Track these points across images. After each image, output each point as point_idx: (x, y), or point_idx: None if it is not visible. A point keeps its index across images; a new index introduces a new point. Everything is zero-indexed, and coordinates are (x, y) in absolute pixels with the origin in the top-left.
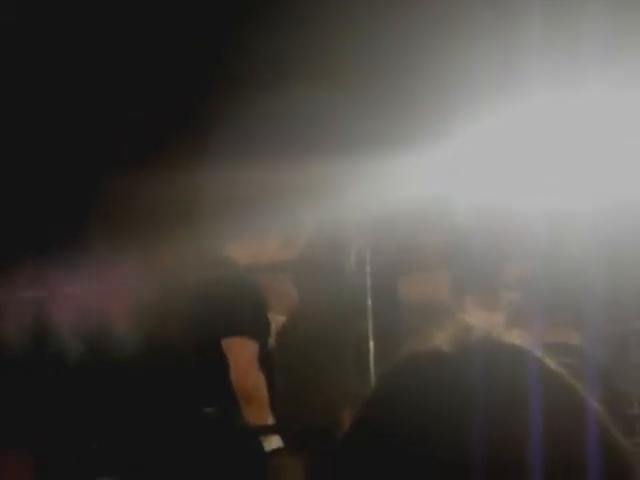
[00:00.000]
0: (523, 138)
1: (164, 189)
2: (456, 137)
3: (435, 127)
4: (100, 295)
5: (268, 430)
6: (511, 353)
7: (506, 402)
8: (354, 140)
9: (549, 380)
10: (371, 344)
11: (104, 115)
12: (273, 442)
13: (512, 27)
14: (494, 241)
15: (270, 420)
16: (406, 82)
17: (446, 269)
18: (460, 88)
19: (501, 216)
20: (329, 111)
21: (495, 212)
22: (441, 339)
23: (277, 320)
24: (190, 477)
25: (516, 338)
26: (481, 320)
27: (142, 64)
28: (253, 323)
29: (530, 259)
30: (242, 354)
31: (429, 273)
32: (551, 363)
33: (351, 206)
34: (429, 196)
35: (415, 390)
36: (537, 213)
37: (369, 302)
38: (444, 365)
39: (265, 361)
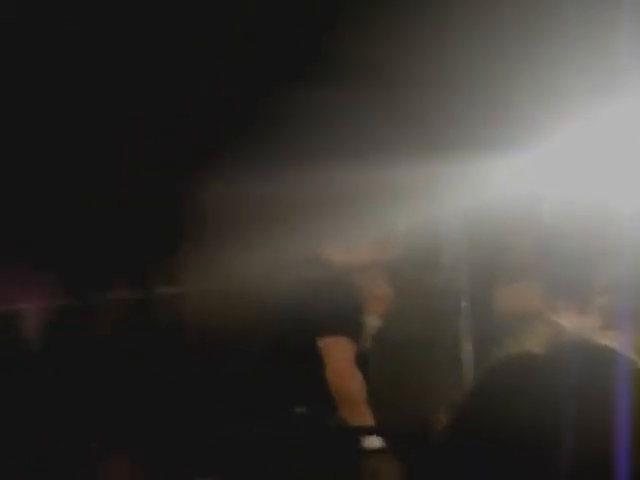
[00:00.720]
0: (614, 139)
1: (262, 193)
2: (549, 138)
3: (528, 128)
4: None
5: (366, 430)
6: (601, 355)
7: (595, 403)
8: (450, 142)
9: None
10: (469, 346)
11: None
12: (373, 442)
13: (603, 30)
14: (586, 244)
15: (369, 421)
16: (500, 85)
17: (538, 273)
18: (551, 91)
19: (593, 218)
20: (424, 113)
21: (587, 214)
22: (533, 342)
23: (372, 322)
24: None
25: (607, 340)
26: (574, 324)
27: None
28: (349, 323)
29: (622, 262)
30: (339, 354)
31: (522, 283)
32: None
33: (446, 207)
34: (522, 197)
35: (509, 389)
36: (629, 215)
37: (464, 304)
38: (536, 366)
39: (360, 362)
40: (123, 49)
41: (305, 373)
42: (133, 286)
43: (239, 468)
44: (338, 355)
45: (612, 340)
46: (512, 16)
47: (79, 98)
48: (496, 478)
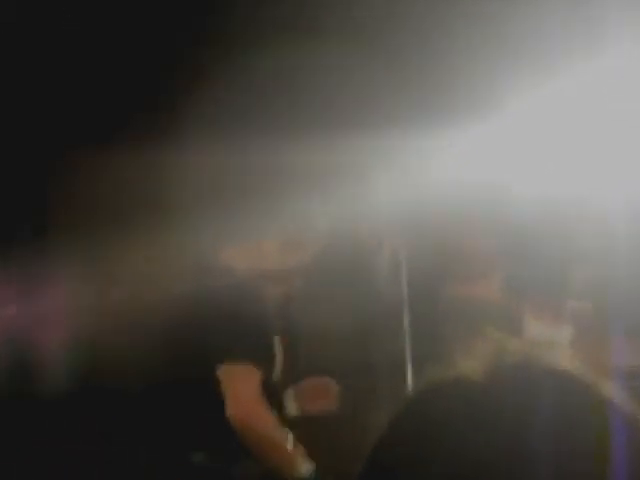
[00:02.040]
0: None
1: (134, 175)
2: (511, 108)
3: (484, 97)
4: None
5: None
6: (555, 383)
7: (543, 446)
8: (383, 114)
9: (599, 415)
10: (408, 371)
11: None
12: None
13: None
14: (557, 240)
15: (291, 466)
16: (446, 47)
17: (498, 274)
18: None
19: (567, 211)
20: (348, 79)
21: (560, 206)
22: (472, 363)
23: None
24: None
25: (568, 361)
26: (544, 334)
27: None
28: (256, 346)
29: (603, 261)
30: (244, 385)
31: (478, 280)
32: (608, 392)
33: (379, 197)
34: (477, 184)
35: (434, 426)
36: (611, 206)
37: (405, 320)
38: (472, 397)
39: (271, 395)
40: None
41: (202, 411)
42: None
43: None
44: (243, 386)
45: (574, 359)
46: None
47: None
48: None
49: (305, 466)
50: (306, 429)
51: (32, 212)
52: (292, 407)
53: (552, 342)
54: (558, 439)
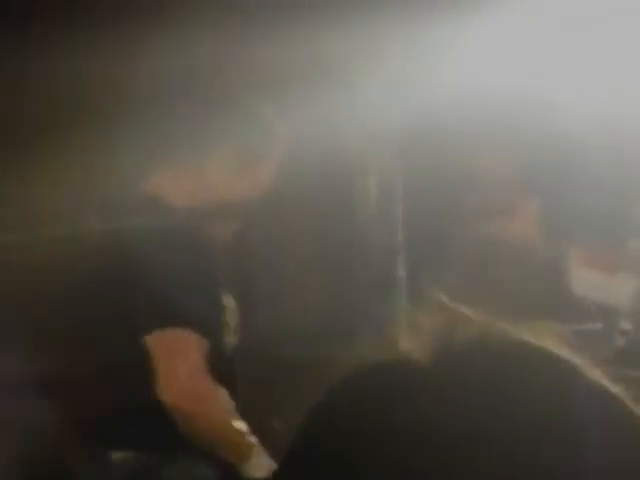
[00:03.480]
0: None
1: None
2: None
3: None
4: None
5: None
6: (515, 369)
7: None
8: None
9: (601, 412)
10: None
11: None
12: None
13: None
14: (611, 162)
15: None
16: None
17: (530, 208)
18: None
19: (623, 122)
20: None
21: (612, 115)
22: (419, 342)
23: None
24: None
25: (543, 335)
26: (594, 287)
27: None
28: (199, 307)
29: None
30: (182, 357)
31: (502, 216)
32: (602, 381)
33: (366, 103)
34: (498, 87)
35: (367, 419)
36: None
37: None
38: (408, 387)
39: (220, 369)
40: None
41: (124, 394)
42: None
43: None
44: (182, 359)
45: (551, 333)
46: None
47: None
48: None
49: (265, 462)
50: None
51: None
52: None
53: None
54: (512, 435)
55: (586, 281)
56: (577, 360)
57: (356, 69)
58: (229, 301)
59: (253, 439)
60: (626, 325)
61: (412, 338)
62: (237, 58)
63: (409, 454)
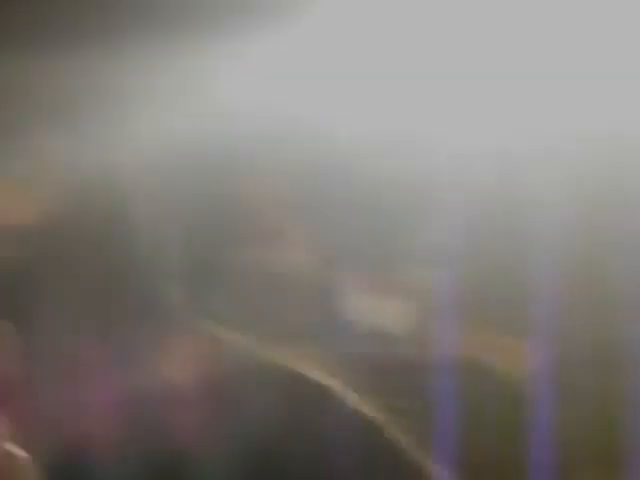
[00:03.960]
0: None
1: None
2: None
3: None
4: None
5: None
6: (282, 388)
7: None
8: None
9: (345, 435)
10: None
11: None
12: None
13: None
14: (392, 189)
15: None
16: None
17: (301, 232)
18: None
19: (410, 149)
20: None
21: (399, 143)
22: (176, 363)
23: None
24: None
25: (298, 360)
26: (369, 310)
27: None
28: None
29: (455, 219)
30: None
31: (274, 240)
32: (351, 403)
33: (140, 132)
34: (271, 113)
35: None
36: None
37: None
38: (172, 408)
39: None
40: None
41: None
42: None
43: None
44: None
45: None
46: None
47: None
48: None
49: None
50: None
51: None
52: None
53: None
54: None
55: (360, 306)
56: (330, 383)
57: (130, 99)
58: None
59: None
60: (396, 349)
61: (176, 362)
62: (11, 87)
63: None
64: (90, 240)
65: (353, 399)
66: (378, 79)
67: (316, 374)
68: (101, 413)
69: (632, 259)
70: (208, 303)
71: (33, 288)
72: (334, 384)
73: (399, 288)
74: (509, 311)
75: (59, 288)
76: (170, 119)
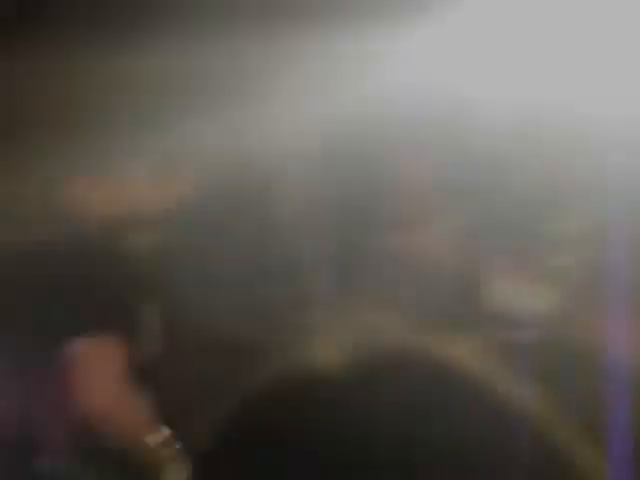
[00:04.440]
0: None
1: None
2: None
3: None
4: None
5: None
6: (432, 379)
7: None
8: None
9: (502, 429)
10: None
11: None
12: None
13: None
14: (533, 175)
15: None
16: None
17: (448, 219)
18: None
19: (544, 133)
20: None
21: (534, 125)
22: (333, 352)
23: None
24: None
25: (451, 348)
26: (512, 298)
27: None
28: (117, 314)
29: (588, 208)
30: (100, 364)
31: (419, 227)
32: (509, 393)
33: (284, 115)
34: (419, 90)
35: (278, 436)
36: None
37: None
38: (320, 401)
39: (140, 373)
40: None
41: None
42: None
43: None
44: (100, 366)
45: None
46: None
47: None
48: None
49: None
50: None
51: None
52: None
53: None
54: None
55: (504, 291)
56: (490, 375)
57: (270, 82)
58: (145, 308)
59: (167, 452)
60: (540, 335)
61: (329, 349)
62: (150, 71)
63: (322, 457)
64: (227, 227)
65: (503, 389)
66: (523, 64)
67: (462, 361)
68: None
69: None
70: (354, 286)
71: (166, 269)
72: (482, 371)
73: (543, 273)
74: None
75: (186, 270)
76: (320, 104)
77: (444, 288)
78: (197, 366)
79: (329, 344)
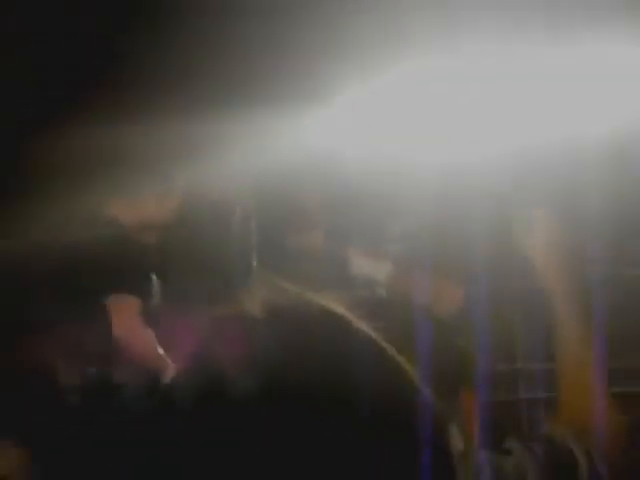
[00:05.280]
0: (414, 96)
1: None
2: (345, 94)
3: (323, 83)
4: None
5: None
6: (322, 317)
7: (314, 376)
8: (238, 95)
9: (365, 350)
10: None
11: None
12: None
13: None
14: (381, 194)
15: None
16: (293, 34)
17: (329, 223)
18: (351, 45)
19: (390, 170)
20: (212, 65)
21: (384, 166)
22: (254, 302)
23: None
24: None
25: (331, 301)
26: (366, 268)
27: None
28: (135, 281)
29: (416, 213)
30: (127, 312)
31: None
32: (366, 328)
33: (235, 164)
34: (314, 152)
35: (214, 361)
36: (427, 167)
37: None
38: (249, 330)
39: (151, 318)
40: None
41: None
42: None
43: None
44: (126, 313)
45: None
46: None
47: None
48: None
49: (170, 369)
50: None
51: None
52: None
53: (374, 277)
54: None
55: (359, 266)
56: (349, 315)
57: (231, 143)
58: (153, 278)
59: (166, 359)
60: (381, 291)
61: (254, 301)
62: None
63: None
64: (202, 232)
65: (362, 325)
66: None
67: (338, 308)
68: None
69: None
70: (275, 267)
71: (166, 264)
72: (349, 315)
73: (385, 255)
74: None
75: (183, 263)
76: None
77: (324, 264)
78: None
79: (257, 298)
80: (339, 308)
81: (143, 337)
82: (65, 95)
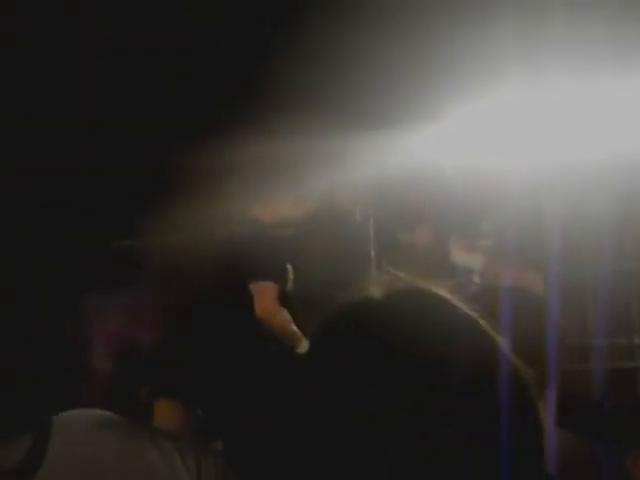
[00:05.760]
0: (508, 117)
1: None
2: (445, 116)
3: (428, 108)
4: None
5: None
6: (432, 300)
7: (428, 346)
8: (362, 119)
9: (466, 326)
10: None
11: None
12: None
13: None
14: (476, 197)
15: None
16: (406, 65)
17: (434, 221)
18: (453, 74)
19: (482, 177)
20: (339, 89)
21: (477, 174)
22: (375, 289)
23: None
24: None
25: (438, 288)
26: (462, 260)
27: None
28: (274, 270)
29: (505, 212)
30: (267, 294)
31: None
32: (466, 309)
33: (357, 173)
34: (422, 163)
35: (350, 335)
36: (514, 174)
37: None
38: (375, 311)
39: (284, 302)
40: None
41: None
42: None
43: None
44: (266, 295)
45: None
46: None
47: None
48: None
49: (304, 343)
50: None
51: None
52: None
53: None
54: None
55: (459, 256)
56: (452, 298)
57: (352, 157)
58: (288, 267)
59: (300, 334)
60: (476, 279)
61: (376, 288)
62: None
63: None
64: (329, 229)
65: (463, 306)
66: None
67: (445, 293)
68: None
69: None
70: (390, 260)
71: (300, 255)
72: (453, 298)
73: (479, 249)
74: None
75: (314, 254)
76: (373, 170)
77: (430, 256)
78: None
79: (378, 286)
80: (444, 293)
81: (280, 316)
82: (235, 109)
